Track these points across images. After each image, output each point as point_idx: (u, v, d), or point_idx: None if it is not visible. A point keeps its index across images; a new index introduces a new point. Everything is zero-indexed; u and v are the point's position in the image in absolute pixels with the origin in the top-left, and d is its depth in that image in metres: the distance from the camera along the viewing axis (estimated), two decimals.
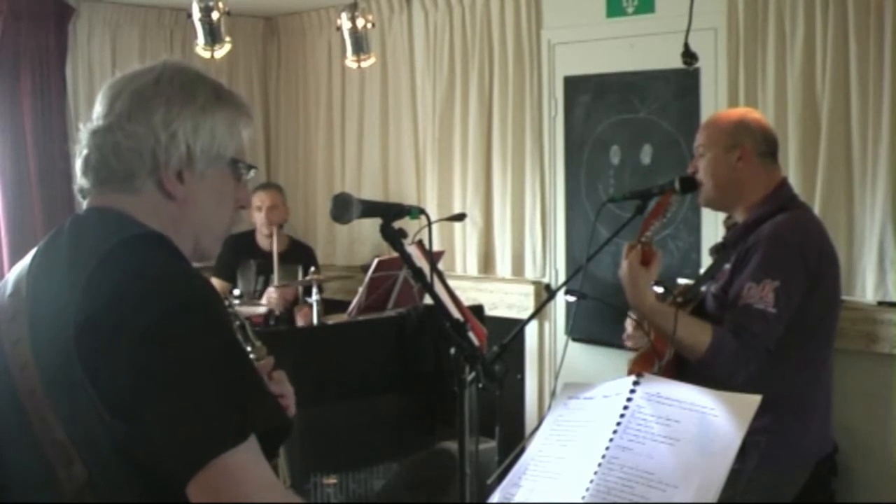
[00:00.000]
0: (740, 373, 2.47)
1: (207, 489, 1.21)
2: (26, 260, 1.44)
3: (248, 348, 2.51)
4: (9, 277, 1.44)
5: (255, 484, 1.23)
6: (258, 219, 5.02)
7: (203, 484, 1.21)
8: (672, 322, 2.45)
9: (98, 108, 1.43)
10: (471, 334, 1.87)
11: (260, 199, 5.01)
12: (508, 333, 2.44)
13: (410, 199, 5.33)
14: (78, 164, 1.44)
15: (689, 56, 3.39)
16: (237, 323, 2.58)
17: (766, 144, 2.65)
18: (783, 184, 2.68)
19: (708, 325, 2.52)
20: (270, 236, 4.96)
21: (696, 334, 2.50)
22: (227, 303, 2.97)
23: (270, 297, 4.76)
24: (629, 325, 2.74)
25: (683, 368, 2.56)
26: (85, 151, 1.42)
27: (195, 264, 1.43)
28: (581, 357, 4.39)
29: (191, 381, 1.23)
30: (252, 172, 1.52)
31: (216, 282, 4.81)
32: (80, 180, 1.44)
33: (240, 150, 1.49)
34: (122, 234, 1.34)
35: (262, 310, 4.70)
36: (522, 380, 5.04)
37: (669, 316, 2.47)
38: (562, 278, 4.86)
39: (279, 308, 4.79)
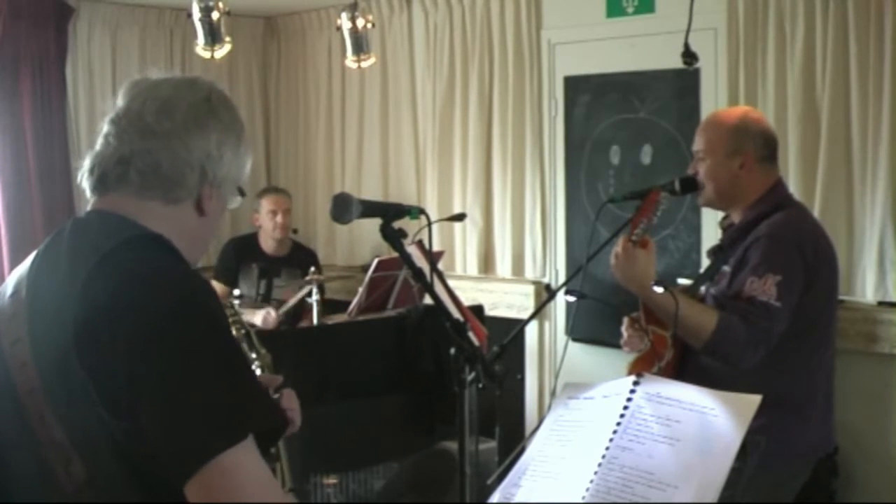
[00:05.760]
0: (747, 359, 2.44)
1: (205, 488, 1.22)
2: (27, 262, 1.45)
3: (253, 355, 2.51)
4: (9, 279, 1.45)
5: (252, 484, 1.24)
6: (271, 222, 4.93)
7: (201, 483, 1.22)
8: (674, 303, 2.40)
9: (141, 108, 1.42)
10: (471, 334, 1.87)
11: (275, 203, 4.92)
12: (508, 333, 2.44)
13: (410, 199, 5.33)
14: (91, 157, 1.44)
15: (689, 56, 3.38)
16: (242, 331, 2.58)
17: (766, 148, 2.64)
18: (778, 183, 2.68)
19: (714, 309, 2.50)
20: (282, 240, 4.96)
21: (703, 315, 2.47)
22: (230, 309, 2.97)
23: (268, 320, 4.56)
24: (625, 328, 2.73)
25: (683, 369, 2.55)
26: (113, 143, 1.41)
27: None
28: (581, 357, 4.39)
29: (188, 380, 1.24)
30: (242, 199, 1.58)
31: (217, 285, 4.75)
32: (98, 172, 1.43)
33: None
34: (121, 235, 1.35)
35: (258, 321, 4.52)
36: (522, 380, 5.04)
37: (672, 297, 2.42)
38: (562, 278, 4.86)
39: (272, 326, 4.58)
